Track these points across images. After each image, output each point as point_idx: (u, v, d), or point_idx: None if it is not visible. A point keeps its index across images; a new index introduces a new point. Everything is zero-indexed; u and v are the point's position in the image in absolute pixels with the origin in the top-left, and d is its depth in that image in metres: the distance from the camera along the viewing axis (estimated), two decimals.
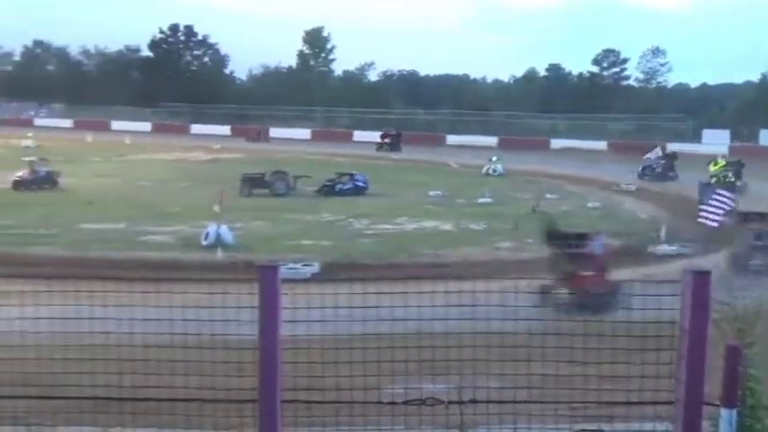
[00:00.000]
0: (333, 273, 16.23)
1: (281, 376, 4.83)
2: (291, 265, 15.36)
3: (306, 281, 14.01)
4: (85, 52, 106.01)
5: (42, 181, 32.25)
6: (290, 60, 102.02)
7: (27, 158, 35.81)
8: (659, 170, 41.72)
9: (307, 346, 5.23)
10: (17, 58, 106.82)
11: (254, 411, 4.92)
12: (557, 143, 68.68)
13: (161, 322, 5.30)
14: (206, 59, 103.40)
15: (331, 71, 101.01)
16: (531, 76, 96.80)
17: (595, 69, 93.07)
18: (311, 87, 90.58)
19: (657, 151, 44.85)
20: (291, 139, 69.52)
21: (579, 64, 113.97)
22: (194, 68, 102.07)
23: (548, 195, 32.13)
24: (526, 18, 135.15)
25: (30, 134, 61.45)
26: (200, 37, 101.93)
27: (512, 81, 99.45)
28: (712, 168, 36.85)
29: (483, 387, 5.12)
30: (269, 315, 4.70)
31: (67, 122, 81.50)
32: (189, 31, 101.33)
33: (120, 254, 18.67)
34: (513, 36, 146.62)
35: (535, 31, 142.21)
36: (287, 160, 44.05)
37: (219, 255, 18.60)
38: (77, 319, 5.36)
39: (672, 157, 44.08)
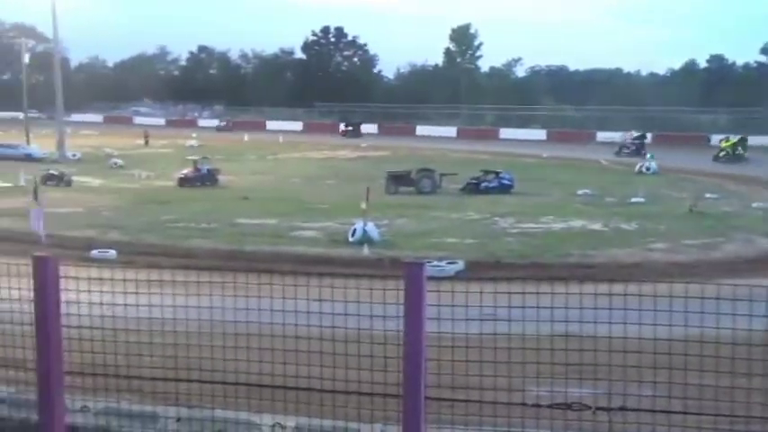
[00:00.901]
0: (477, 271, 16.12)
1: (426, 373, 4.86)
2: (436, 263, 15.41)
3: (450, 279, 14.00)
4: (244, 56, 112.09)
5: (204, 178, 34.35)
6: (437, 58, 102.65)
7: (191, 157, 38.33)
8: (633, 149, 55.13)
9: (451, 344, 5.22)
10: (183, 63, 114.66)
11: (398, 406, 4.99)
12: (718, 139, 64.42)
13: (310, 314, 5.49)
14: (355, 60, 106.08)
15: (477, 68, 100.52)
16: (690, 68, 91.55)
17: (764, 59, 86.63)
18: (457, 85, 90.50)
19: (632, 134, 58.89)
20: (437, 137, 69.81)
21: (745, 54, 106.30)
22: (344, 69, 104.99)
23: (707, 195, 30.25)
24: (684, 8, 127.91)
25: (193, 134, 65.84)
26: (349, 38, 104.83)
27: (669, 74, 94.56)
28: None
29: (634, 395, 4.89)
30: (414, 312, 4.75)
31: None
32: (339, 32, 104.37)
33: (272, 248, 19.51)
34: (671, 28, 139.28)
35: (694, 21, 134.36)
36: (432, 158, 44.32)
37: (365, 251, 18.98)
38: (234, 309, 5.66)
39: (641, 137, 57.81)
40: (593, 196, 31.03)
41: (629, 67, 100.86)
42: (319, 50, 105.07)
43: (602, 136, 69.25)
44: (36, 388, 5.99)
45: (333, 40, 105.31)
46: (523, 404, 5.04)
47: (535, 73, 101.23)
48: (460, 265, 16.93)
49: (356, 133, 74.35)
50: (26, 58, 58.77)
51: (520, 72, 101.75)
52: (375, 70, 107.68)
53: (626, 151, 55.08)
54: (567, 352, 4.97)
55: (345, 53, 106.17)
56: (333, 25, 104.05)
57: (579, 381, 5.18)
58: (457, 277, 15.11)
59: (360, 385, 5.21)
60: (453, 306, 5.12)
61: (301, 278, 5.74)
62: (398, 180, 32.94)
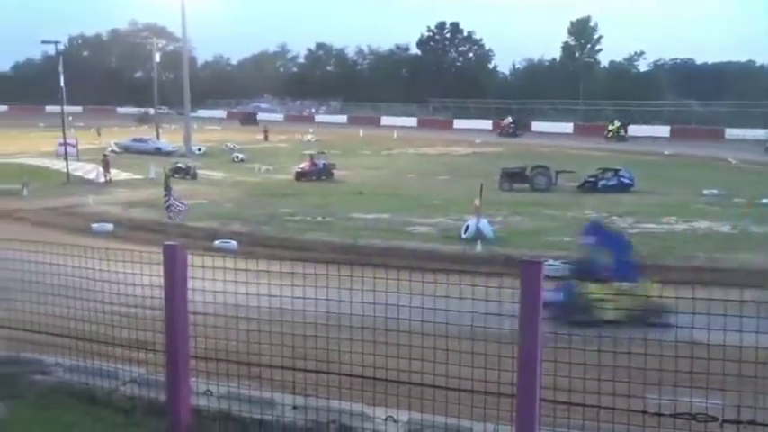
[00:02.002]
0: None
1: (541, 373, 4.77)
2: (551, 262, 15.09)
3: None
4: (360, 52, 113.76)
5: (320, 172, 35.14)
6: (554, 53, 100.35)
7: (307, 152, 39.30)
8: (510, 131, 66.55)
9: (568, 345, 5.10)
10: (302, 60, 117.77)
11: (512, 406, 4.92)
12: None
13: (424, 310, 5.51)
14: (470, 55, 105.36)
15: (597, 62, 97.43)
16: None
17: None
18: (575, 80, 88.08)
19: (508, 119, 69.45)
20: (553, 134, 68.29)
21: None
22: (459, 64, 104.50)
23: None
24: None
25: (310, 130, 67.49)
26: (465, 33, 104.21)
27: None
28: None
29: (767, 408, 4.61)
30: (530, 311, 4.67)
31: (343, 118, 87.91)
32: (455, 28, 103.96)
33: (385, 243, 19.70)
34: None
35: None
36: (548, 155, 43.44)
37: (478, 248, 18.84)
38: (348, 302, 5.76)
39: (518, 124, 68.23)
40: (720, 196, 29.43)
41: (762, 59, 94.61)
42: (434, 46, 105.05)
43: (731, 133, 65.45)
44: (164, 370, 6.34)
45: (448, 35, 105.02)
46: (644, 412, 4.86)
47: (658, 67, 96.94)
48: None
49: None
50: (157, 57, 61.96)
51: (642, 66, 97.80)
52: (490, 66, 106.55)
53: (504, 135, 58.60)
54: (692, 359, 4.75)
55: (460, 49, 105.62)
56: (448, 21, 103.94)
57: (705, 391, 4.93)
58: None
59: (473, 383, 5.18)
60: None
61: (414, 274, 5.77)
62: (513, 177, 32.49)
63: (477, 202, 20.20)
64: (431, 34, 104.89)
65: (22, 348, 7.54)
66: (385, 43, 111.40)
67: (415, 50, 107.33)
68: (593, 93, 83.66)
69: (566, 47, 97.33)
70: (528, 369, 4.65)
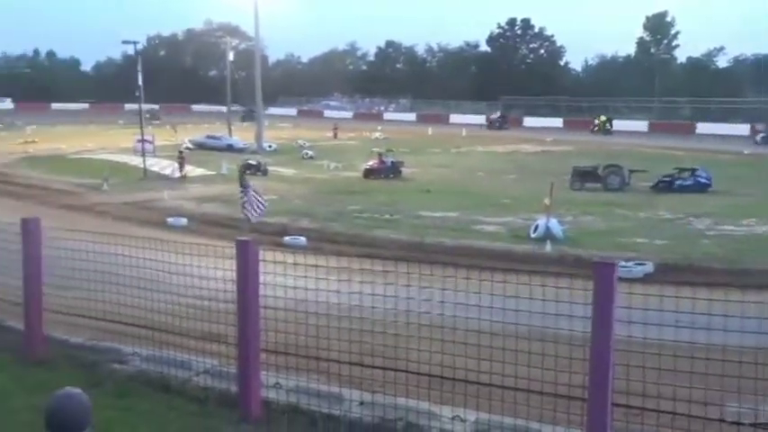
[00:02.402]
0: (668, 274, 15.19)
1: (613, 377, 4.67)
2: (623, 264, 14.73)
3: (638, 281, 13.32)
4: (430, 50, 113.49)
5: (388, 170, 35.20)
6: (629, 49, 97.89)
7: (376, 149, 39.46)
8: (497, 124, 71.15)
9: (641, 349, 4.96)
10: (371, 58, 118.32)
11: (583, 410, 4.84)
12: None
13: (492, 309, 5.47)
14: (542, 52, 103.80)
15: (674, 58, 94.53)
16: None
17: None
18: (650, 76, 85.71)
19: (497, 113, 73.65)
20: (627, 132, 66.66)
21: None
22: (530, 61, 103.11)
23: None
24: None
25: (379, 127, 67.75)
26: (536, 30, 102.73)
27: None
28: None
29: None
30: (603, 313, 4.57)
31: (411, 116, 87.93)
32: (526, 24, 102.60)
33: (453, 241, 19.61)
34: None
35: None
36: (621, 153, 42.41)
37: (548, 248, 18.55)
38: (416, 299, 5.76)
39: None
40: None
41: None
42: (504, 43, 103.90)
43: None
44: (236, 362, 6.48)
45: (519, 32, 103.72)
46: (721, 420, 4.70)
47: (739, 63, 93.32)
48: (649, 267, 16.08)
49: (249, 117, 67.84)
50: (230, 56, 63.31)
51: (722, 62, 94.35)
52: (562, 62, 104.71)
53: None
54: None
55: (531, 45, 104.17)
56: (519, 17, 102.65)
57: None
58: (645, 279, 14.36)
59: (543, 385, 5.12)
60: (645, 310, 4.87)
61: (483, 273, 5.72)
62: (584, 176, 31.83)
63: (547, 201, 19.88)
64: (501, 31, 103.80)
65: (102, 338, 7.85)
66: (454, 40, 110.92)
67: (484, 47, 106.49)
68: (669, 90, 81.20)
69: (641, 42, 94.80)
70: (600, 372, 4.56)
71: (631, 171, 32.00)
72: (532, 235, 19.90)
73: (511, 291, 5.35)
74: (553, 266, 14.69)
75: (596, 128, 68.11)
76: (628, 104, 79.45)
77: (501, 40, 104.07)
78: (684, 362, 4.78)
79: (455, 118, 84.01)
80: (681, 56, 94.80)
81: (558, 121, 77.30)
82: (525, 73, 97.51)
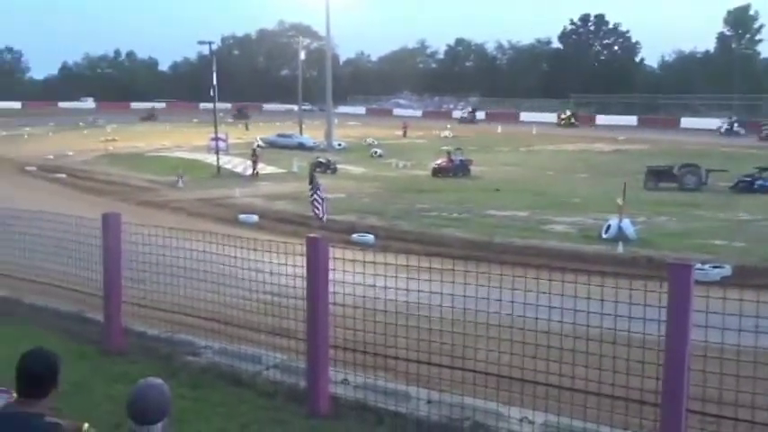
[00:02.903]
0: (747, 278, 14.62)
1: (688, 383, 4.54)
2: (699, 266, 14.24)
3: (715, 284, 12.87)
4: (500, 47, 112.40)
5: (457, 169, 35.05)
6: (708, 44, 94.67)
7: (445, 148, 39.34)
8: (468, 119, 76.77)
9: (718, 355, 4.81)
10: (441, 56, 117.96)
11: (656, 415, 4.72)
12: None
13: (562, 310, 5.38)
14: (616, 48, 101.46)
15: (756, 54, 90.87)
16: None
17: None
18: (731, 73, 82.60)
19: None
20: (705, 130, 64.50)
21: None
22: (603, 58, 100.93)
23: None
24: None
25: (448, 126, 67.53)
26: (610, 26, 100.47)
27: None
28: None
29: None
30: (678, 317, 4.45)
31: (480, 114, 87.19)
32: (600, 20, 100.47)
33: (522, 241, 19.38)
34: None
35: None
36: (698, 152, 41.06)
37: (620, 249, 18.12)
38: (483, 299, 5.72)
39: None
40: None
41: None
42: (577, 39, 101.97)
43: None
44: (305, 358, 6.58)
45: (592, 28, 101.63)
46: None
47: None
48: (727, 269, 15.50)
49: (243, 116, 70.51)
50: (302, 55, 64.23)
51: None
52: (637, 59, 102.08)
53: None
54: None
55: (605, 41, 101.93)
56: (593, 12, 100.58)
57: None
58: (722, 282, 13.86)
59: (614, 388, 5.01)
60: (724, 314, 4.70)
61: (552, 273, 5.64)
62: (659, 175, 30.96)
63: (619, 200, 19.41)
64: (574, 27, 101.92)
65: (177, 330, 8.08)
66: (526, 37, 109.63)
67: (556, 44, 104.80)
68: (751, 87, 78.08)
69: (721, 37, 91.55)
70: (675, 377, 4.43)
71: (709, 171, 30.95)
72: (604, 235, 19.48)
73: (582, 292, 5.26)
74: (625, 268, 14.33)
75: (563, 122, 74.08)
76: (706, 102, 76.80)
77: (573, 36, 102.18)
78: (764, 369, 4.60)
79: (525, 116, 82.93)
80: (765, 51, 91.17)
81: (632, 120, 75.34)
82: (598, 70, 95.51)
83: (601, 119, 77.87)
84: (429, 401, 6.12)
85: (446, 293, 5.94)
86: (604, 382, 5.07)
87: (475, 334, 5.90)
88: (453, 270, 5.91)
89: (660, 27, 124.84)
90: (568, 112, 76.79)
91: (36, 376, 3.35)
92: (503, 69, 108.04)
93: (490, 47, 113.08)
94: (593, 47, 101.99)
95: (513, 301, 5.51)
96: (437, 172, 34.89)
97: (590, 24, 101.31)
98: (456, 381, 6.13)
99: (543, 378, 5.42)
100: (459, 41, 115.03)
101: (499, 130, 66.39)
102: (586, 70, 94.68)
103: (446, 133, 60.90)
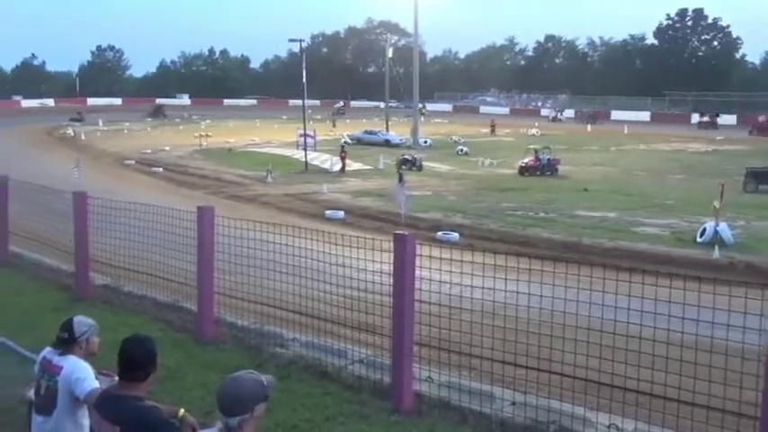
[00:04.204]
0: None
1: None
2: None
3: None
4: (591, 44, 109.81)
5: (544, 167, 34.44)
6: None
7: (532, 146, 38.73)
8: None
9: None
10: (530, 53, 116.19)
11: (755, 429, 4.52)
12: None
13: (654, 315, 5.21)
14: (715, 44, 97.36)
15: None
16: None
17: None
18: None
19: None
20: None
21: None
22: (701, 54, 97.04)
23: None
24: None
25: (535, 124, 66.47)
26: (709, 20, 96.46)
27: None
28: None
29: None
30: None
31: (569, 112, 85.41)
32: (698, 14, 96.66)
33: (611, 242, 18.88)
34: None
35: None
36: None
37: (716, 253, 17.39)
38: (571, 300, 5.61)
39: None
40: None
41: None
42: (673, 35, 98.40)
43: None
44: (389, 354, 6.62)
45: (690, 23, 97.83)
46: None
47: None
48: None
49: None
50: (389, 53, 64.45)
51: None
52: (737, 55, 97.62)
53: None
54: None
55: (703, 37, 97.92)
56: (691, 7, 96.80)
57: None
58: None
59: (709, 399, 4.82)
60: None
61: (639, 276, 5.47)
62: (759, 177, 29.52)
63: (716, 203, 18.62)
64: (670, 22, 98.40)
65: (266, 322, 8.28)
66: (618, 33, 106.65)
67: (651, 40, 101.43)
68: None
69: None
70: None
71: None
72: (699, 239, 18.74)
73: (676, 297, 5.08)
74: (722, 273, 13.75)
75: (423, 113, 72.59)
76: None
77: (670, 32, 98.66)
78: None
79: (616, 114, 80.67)
80: None
81: (731, 119, 72.10)
82: (695, 66, 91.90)
83: (697, 118, 74.85)
84: (513, 403, 6.05)
85: (532, 294, 5.85)
86: (699, 392, 4.88)
87: (562, 336, 5.80)
88: (541, 270, 5.81)
89: (763, 21, 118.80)
90: (420, 106, 72.30)
91: (136, 361, 3.51)
92: (593, 66, 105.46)
93: (581, 43, 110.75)
94: (690, 43, 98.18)
95: (602, 304, 5.38)
96: (524, 170, 34.39)
97: (687, 19, 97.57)
98: (542, 383, 6.04)
99: (633, 384, 5.26)
100: (549, 38, 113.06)
101: (589, 128, 64.85)
102: (683, 67, 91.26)
103: (533, 131, 59.97)
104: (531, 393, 6.07)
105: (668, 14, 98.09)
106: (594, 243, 18.82)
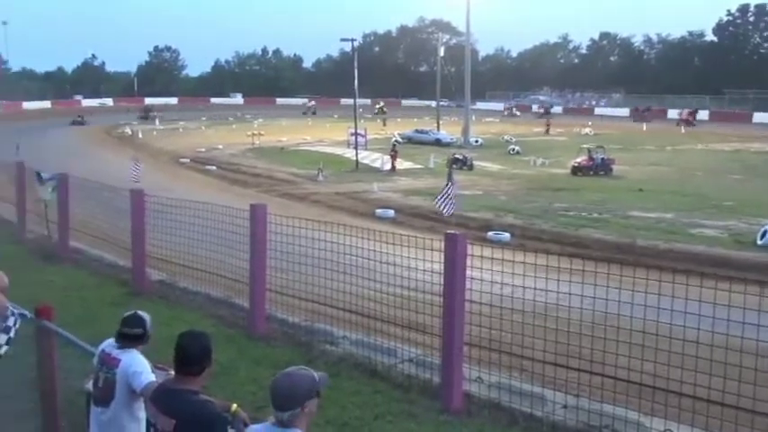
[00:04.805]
0: None
1: None
2: None
3: None
4: (648, 41, 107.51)
5: (598, 167, 33.86)
6: None
7: (585, 146, 38.14)
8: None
9: None
10: (584, 51, 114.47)
11: None
12: None
13: (712, 320, 5.08)
14: None
15: None
16: None
17: None
18: None
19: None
20: None
21: None
22: (763, 51, 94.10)
23: None
24: None
25: (589, 122, 65.42)
26: None
27: None
28: None
29: None
30: None
31: (624, 111, 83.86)
32: (760, 10, 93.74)
33: (666, 244, 18.46)
34: None
35: None
36: None
37: None
38: (625, 303, 5.50)
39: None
40: None
41: None
42: (734, 31, 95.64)
43: None
44: (439, 353, 6.61)
45: (752, 19, 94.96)
46: None
47: None
48: None
49: (148, 118, 66.81)
50: (441, 52, 64.25)
51: None
52: None
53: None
54: None
55: (766, 33, 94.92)
56: (753, 2, 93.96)
57: None
58: None
59: (758, 404, 4.68)
60: None
61: (695, 279, 5.33)
62: None
63: None
64: (731, 18, 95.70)
65: (316, 319, 8.35)
66: (676, 30, 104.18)
67: (710, 37, 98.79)
68: None
69: None
70: None
71: None
72: (759, 242, 18.20)
73: (735, 301, 4.95)
74: None
75: (377, 111, 75.82)
76: None
77: (730, 28, 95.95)
78: None
79: (673, 113, 78.83)
80: None
81: None
82: (757, 64, 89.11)
83: (759, 116, 72.68)
84: (565, 406, 5.98)
85: (587, 296, 5.76)
86: (760, 399, 4.74)
87: (616, 339, 5.70)
88: (595, 272, 5.72)
89: None
90: (381, 103, 76.43)
91: (192, 356, 3.57)
92: (650, 64, 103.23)
93: (637, 41, 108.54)
94: (751, 39, 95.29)
95: (658, 307, 5.27)
96: (577, 170, 33.88)
97: (749, 15, 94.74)
98: (594, 386, 5.94)
99: (690, 390, 5.14)
100: (604, 35, 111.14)
101: (644, 127, 63.55)
102: (744, 64, 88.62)
103: (587, 130, 59.06)
104: (584, 396, 5.99)
105: (729, 10, 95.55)
106: (649, 245, 18.42)
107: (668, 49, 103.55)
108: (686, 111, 71.52)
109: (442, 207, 20.79)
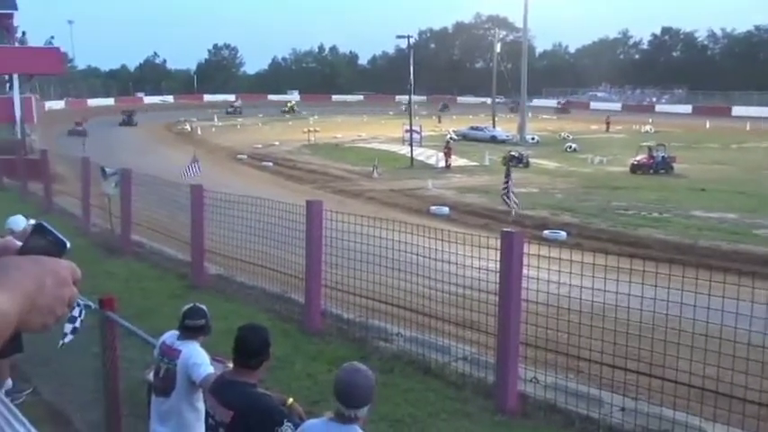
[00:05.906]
0: None
1: None
2: None
3: None
4: (712, 36, 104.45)
5: (658, 165, 33.10)
6: None
7: (645, 143, 37.30)
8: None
9: None
10: (644, 46, 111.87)
11: None
12: None
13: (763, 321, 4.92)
14: None
15: None
16: None
17: None
18: None
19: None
20: None
21: None
22: None
23: None
24: None
25: (649, 120, 63.93)
26: None
27: None
28: None
29: None
30: None
31: (687, 108, 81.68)
32: None
33: (730, 245, 17.93)
34: None
35: None
36: None
37: None
38: (687, 305, 5.36)
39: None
40: None
41: None
42: None
43: None
44: (494, 352, 6.55)
45: None
46: None
47: None
48: None
49: (130, 122, 62.16)
50: (497, 48, 63.66)
51: None
52: None
53: None
54: None
55: None
56: None
57: None
58: None
59: None
60: None
61: (762, 282, 5.16)
62: None
63: None
64: None
65: (370, 315, 8.38)
66: (742, 24, 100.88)
67: None
68: None
69: None
70: None
71: None
72: None
73: None
74: None
75: (286, 108, 76.32)
76: None
77: None
78: None
79: (738, 110, 76.36)
80: None
81: None
82: None
83: None
84: (623, 409, 5.86)
85: (647, 297, 5.63)
86: None
87: (677, 342, 5.56)
88: (656, 273, 5.58)
89: None
90: (291, 102, 77.54)
91: (251, 349, 3.63)
92: (714, 60, 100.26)
93: (701, 35, 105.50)
94: None
95: (722, 310, 5.11)
96: (636, 168, 33.18)
97: None
98: (653, 390, 5.81)
99: (755, 396, 4.98)
100: (666, 30, 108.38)
101: (707, 125, 61.78)
102: None
103: (647, 128, 57.75)
104: (642, 400, 5.86)
105: None
106: (712, 245, 17.92)
107: (734, 43, 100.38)
108: None
109: (510, 204, 20.65)
